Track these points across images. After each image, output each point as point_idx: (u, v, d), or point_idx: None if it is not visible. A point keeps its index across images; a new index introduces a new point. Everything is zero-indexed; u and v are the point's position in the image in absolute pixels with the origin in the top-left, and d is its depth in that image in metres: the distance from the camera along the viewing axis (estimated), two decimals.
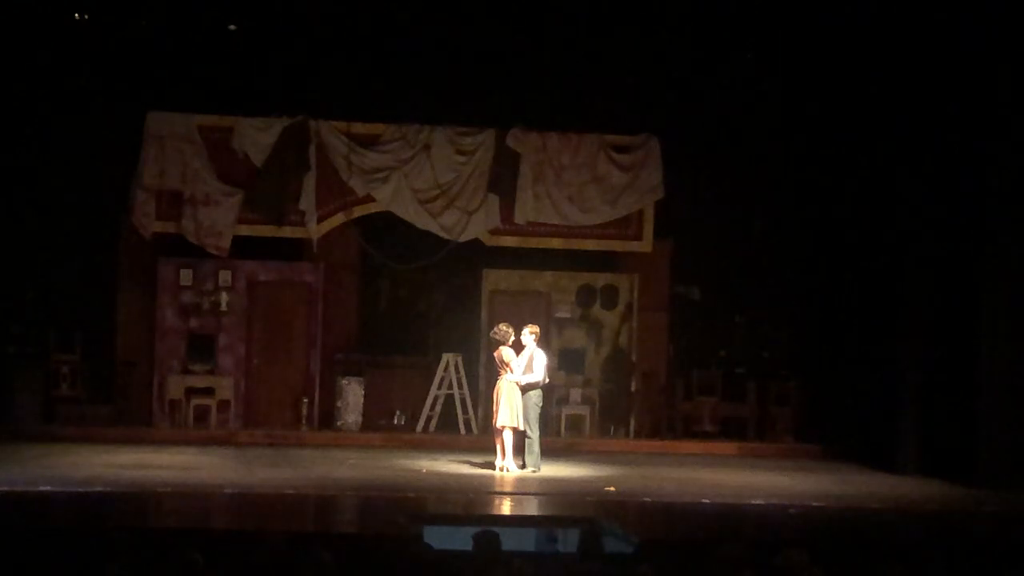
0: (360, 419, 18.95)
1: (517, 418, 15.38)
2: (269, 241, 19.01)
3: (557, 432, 18.88)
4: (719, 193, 19.55)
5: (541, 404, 15.70)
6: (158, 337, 18.82)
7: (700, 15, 18.04)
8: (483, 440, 16.97)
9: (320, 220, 18.89)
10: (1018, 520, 13.68)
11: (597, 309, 19.75)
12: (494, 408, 15.55)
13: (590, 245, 19.66)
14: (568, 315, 19.57)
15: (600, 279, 19.87)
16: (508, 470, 15.48)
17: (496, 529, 9.35)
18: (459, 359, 19.04)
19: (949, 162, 16.46)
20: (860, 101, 17.93)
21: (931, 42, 16.47)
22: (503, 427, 15.46)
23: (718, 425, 19.65)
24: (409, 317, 20.25)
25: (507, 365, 15.43)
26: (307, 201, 18.76)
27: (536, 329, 15.82)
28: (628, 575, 8.91)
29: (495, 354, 15.66)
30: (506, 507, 14.12)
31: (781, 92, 18.90)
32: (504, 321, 16.05)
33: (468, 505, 13.70)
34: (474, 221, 19.12)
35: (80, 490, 13.34)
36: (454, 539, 9.77)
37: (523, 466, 15.60)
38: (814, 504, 14.12)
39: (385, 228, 19.34)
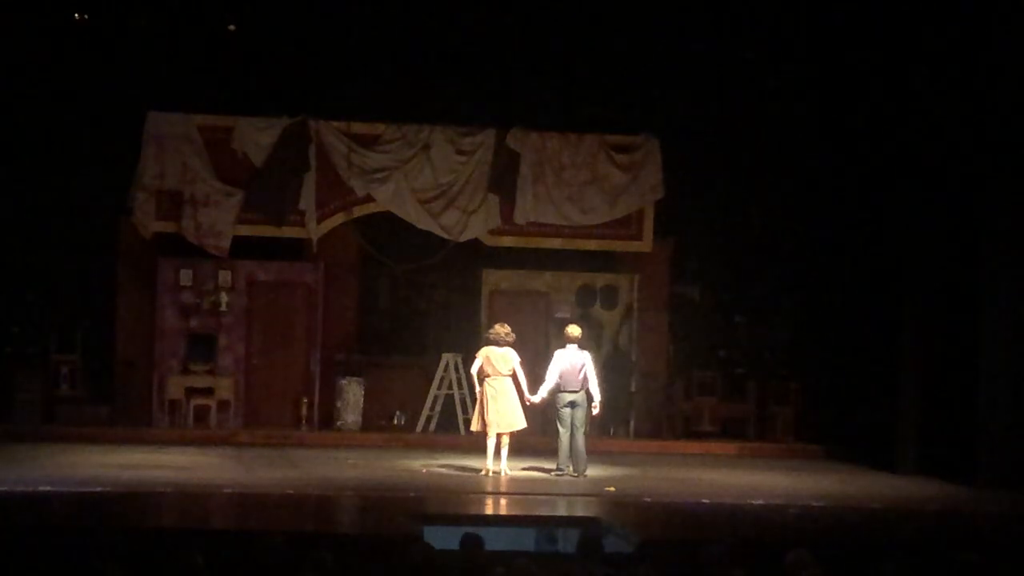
0: (360, 419, 18.95)
1: (521, 418, 15.29)
2: (269, 241, 19.01)
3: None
4: (719, 193, 19.57)
5: (564, 403, 15.52)
6: (158, 337, 18.81)
7: (700, 15, 18.05)
8: (483, 440, 16.95)
9: (320, 220, 18.89)
10: (1018, 520, 13.68)
11: (597, 309, 19.74)
12: (488, 410, 15.21)
13: (590, 245, 19.66)
14: (568, 315, 19.53)
15: (600, 279, 19.87)
16: (507, 472, 15.40)
17: (496, 529, 9.35)
18: (459, 359, 19.02)
19: (949, 161, 16.45)
20: (859, 100, 17.94)
21: (930, 40, 16.48)
22: (506, 431, 15.30)
23: (718, 425, 19.66)
24: (409, 317, 20.24)
25: (513, 370, 15.24)
26: (307, 201, 18.76)
27: (573, 333, 15.59)
28: (628, 575, 8.91)
29: (497, 355, 15.41)
30: (506, 507, 14.11)
31: (781, 92, 18.90)
32: (499, 321, 15.86)
33: (468, 505, 13.71)
34: (474, 221, 19.12)
35: (80, 490, 13.33)
36: (454, 539, 9.75)
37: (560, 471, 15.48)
38: (814, 504, 14.12)
39: (385, 228, 19.34)
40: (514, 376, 15.30)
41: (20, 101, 18.10)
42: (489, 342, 15.40)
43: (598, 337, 19.66)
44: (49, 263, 18.72)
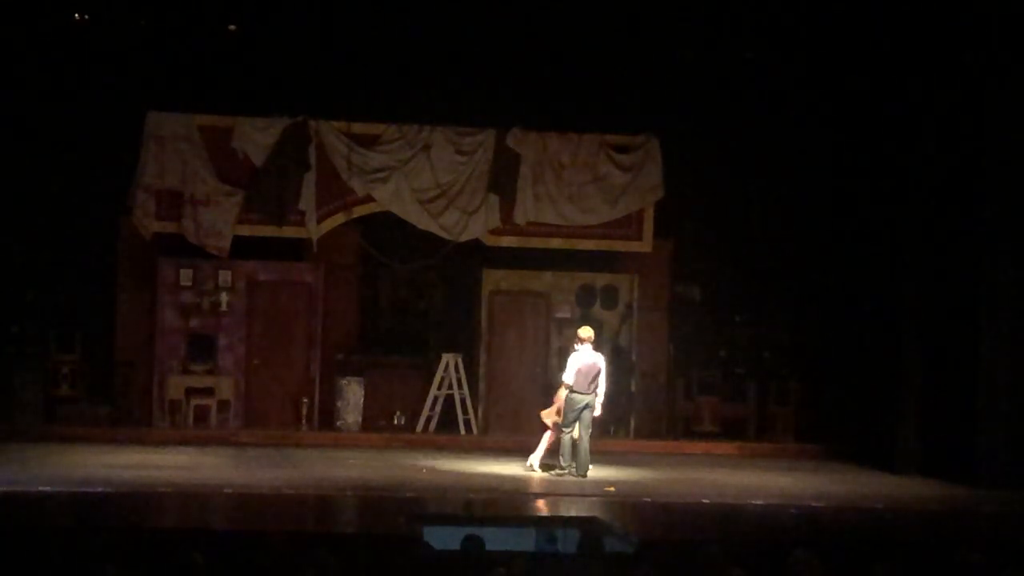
0: (360, 419, 18.95)
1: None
2: (269, 241, 19.00)
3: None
4: (719, 193, 19.56)
5: (578, 406, 15.51)
6: (158, 337, 18.80)
7: (700, 15, 18.05)
8: (483, 440, 16.99)
9: (320, 220, 18.88)
10: (1018, 520, 13.69)
11: (597, 309, 19.72)
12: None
13: (590, 245, 19.64)
14: (568, 315, 19.54)
15: (600, 279, 19.85)
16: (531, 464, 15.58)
17: (496, 529, 9.36)
18: (459, 359, 19.02)
19: (949, 162, 16.47)
20: (860, 100, 17.95)
21: (930, 41, 16.49)
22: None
23: (718, 425, 19.66)
24: (409, 317, 20.23)
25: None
26: (307, 201, 18.75)
27: (584, 334, 15.75)
28: (628, 575, 8.91)
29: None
30: (506, 507, 14.11)
31: (781, 92, 18.90)
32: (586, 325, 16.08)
33: (468, 505, 13.69)
34: (474, 221, 19.11)
35: (80, 490, 13.34)
36: (454, 539, 9.76)
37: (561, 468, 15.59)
38: (814, 504, 14.13)
39: (385, 228, 19.34)
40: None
41: (20, 101, 18.09)
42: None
43: (598, 337, 19.63)
44: (49, 263, 18.71)
